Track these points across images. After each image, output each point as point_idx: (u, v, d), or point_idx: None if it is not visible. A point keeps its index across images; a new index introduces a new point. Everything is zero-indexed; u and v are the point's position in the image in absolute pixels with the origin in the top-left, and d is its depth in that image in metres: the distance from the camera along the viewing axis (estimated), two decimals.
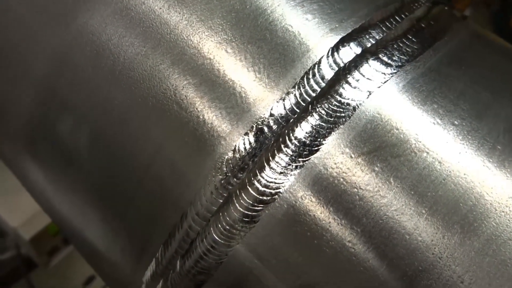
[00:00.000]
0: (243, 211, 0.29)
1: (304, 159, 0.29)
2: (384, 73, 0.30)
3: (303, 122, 0.29)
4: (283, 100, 0.29)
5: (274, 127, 0.29)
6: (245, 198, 0.29)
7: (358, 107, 0.29)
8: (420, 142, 0.28)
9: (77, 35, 0.34)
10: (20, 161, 0.44)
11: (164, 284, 0.34)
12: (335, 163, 0.28)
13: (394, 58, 0.31)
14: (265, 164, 0.29)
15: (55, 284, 1.27)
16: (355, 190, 0.28)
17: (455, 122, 0.29)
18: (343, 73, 0.30)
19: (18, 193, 1.16)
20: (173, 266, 0.33)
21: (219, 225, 0.30)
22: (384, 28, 0.32)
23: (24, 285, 1.25)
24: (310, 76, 0.30)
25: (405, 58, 0.31)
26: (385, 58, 0.31)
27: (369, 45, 0.31)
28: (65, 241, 1.30)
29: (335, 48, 0.30)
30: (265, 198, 0.29)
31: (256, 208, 0.29)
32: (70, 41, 0.34)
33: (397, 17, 0.32)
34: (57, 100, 0.36)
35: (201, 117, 0.30)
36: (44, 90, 0.37)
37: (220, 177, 0.30)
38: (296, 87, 0.30)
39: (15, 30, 0.37)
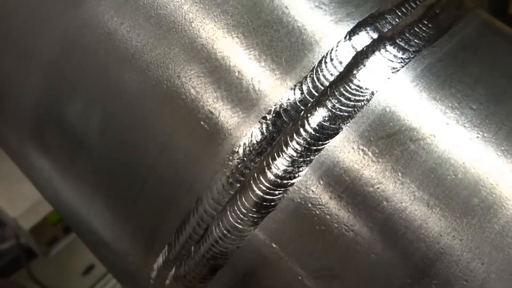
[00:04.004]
0: (261, 195, 0.28)
1: (322, 142, 0.28)
2: (402, 58, 0.29)
3: (321, 107, 0.28)
4: (301, 84, 0.29)
5: (292, 111, 0.28)
6: (263, 182, 0.28)
7: (376, 91, 0.28)
8: (439, 126, 0.28)
9: (88, 17, 0.33)
10: (24, 149, 0.43)
11: (177, 270, 0.33)
12: (353, 148, 0.28)
13: (411, 43, 0.30)
14: (284, 148, 0.28)
15: (55, 274, 1.26)
16: (374, 174, 0.27)
17: (473, 106, 0.28)
18: (360, 58, 0.29)
19: (18, 183, 1.15)
20: (187, 251, 0.32)
21: (236, 209, 0.29)
22: (399, 13, 0.31)
23: (24, 274, 1.23)
24: (328, 60, 0.29)
25: (421, 43, 0.30)
26: (402, 43, 0.30)
27: (385, 30, 0.30)
28: (65, 231, 1.28)
29: (352, 33, 0.30)
30: (283, 182, 0.28)
31: (274, 192, 0.28)
32: (81, 22, 0.33)
33: (411, 3, 0.32)
34: (66, 83, 0.35)
35: (217, 101, 0.29)
36: (52, 73, 0.35)
37: (237, 161, 0.29)
38: (314, 71, 0.29)
39: (22, 10, 0.35)
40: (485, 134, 0.27)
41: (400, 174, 0.27)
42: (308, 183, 0.28)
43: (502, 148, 0.27)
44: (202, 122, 0.30)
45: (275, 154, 0.28)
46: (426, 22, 0.31)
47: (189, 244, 0.32)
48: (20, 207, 1.25)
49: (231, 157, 0.29)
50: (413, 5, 0.32)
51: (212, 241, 0.30)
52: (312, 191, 0.28)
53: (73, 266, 1.27)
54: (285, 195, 0.28)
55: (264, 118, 0.29)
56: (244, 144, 0.29)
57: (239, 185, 0.29)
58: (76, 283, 1.26)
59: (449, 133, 0.27)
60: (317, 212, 0.28)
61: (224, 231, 0.29)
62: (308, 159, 0.28)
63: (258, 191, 0.28)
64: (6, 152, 0.48)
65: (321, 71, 0.29)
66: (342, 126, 0.28)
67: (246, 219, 0.29)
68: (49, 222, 1.27)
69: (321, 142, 0.28)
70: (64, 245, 1.28)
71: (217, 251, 0.30)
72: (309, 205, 0.28)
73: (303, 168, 0.28)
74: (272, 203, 0.28)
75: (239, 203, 0.29)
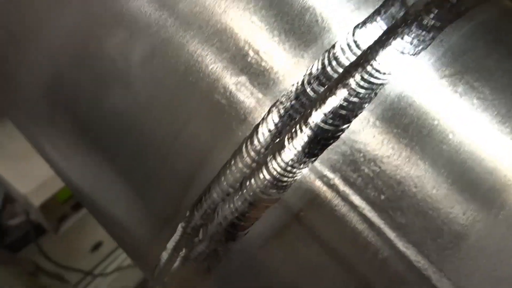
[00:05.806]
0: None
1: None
2: (422, 41, 0.28)
3: (342, 87, 0.27)
4: (323, 65, 0.28)
5: (310, 92, 0.28)
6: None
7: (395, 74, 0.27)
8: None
9: None
10: (36, 122, 0.41)
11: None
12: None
13: (431, 26, 0.28)
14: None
15: (64, 249, 1.25)
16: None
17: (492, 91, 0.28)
18: (380, 41, 0.28)
19: (28, 160, 1.13)
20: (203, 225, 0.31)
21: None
22: None
23: (33, 249, 1.22)
24: (348, 42, 0.28)
25: (442, 25, 0.28)
26: (421, 26, 0.27)
27: (404, 13, 0.29)
28: (74, 208, 1.27)
29: (370, 17, 0.28)
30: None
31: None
32: None
33: None
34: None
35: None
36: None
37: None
38: (334, 53, 0.28)
39: None
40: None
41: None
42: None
43: None
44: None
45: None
46: (447, 6, 0.30)
47: (208, 215, 0.31)
48: (30, 183, 1.23)
49: (285, 99, 0.28)
50: None
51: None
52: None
53: (82, 242, 1.26)
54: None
55: (284, 97, 0.28)
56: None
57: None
58: (84, 260, 1.25)
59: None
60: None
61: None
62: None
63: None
64: (16, 126, 0.46)
65: (343, 53, 0.28)
66: (362, 109, 0.27)
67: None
68: (59, 199, 1.26)
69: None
70: (73, 222, 1.27)
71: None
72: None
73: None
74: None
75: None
